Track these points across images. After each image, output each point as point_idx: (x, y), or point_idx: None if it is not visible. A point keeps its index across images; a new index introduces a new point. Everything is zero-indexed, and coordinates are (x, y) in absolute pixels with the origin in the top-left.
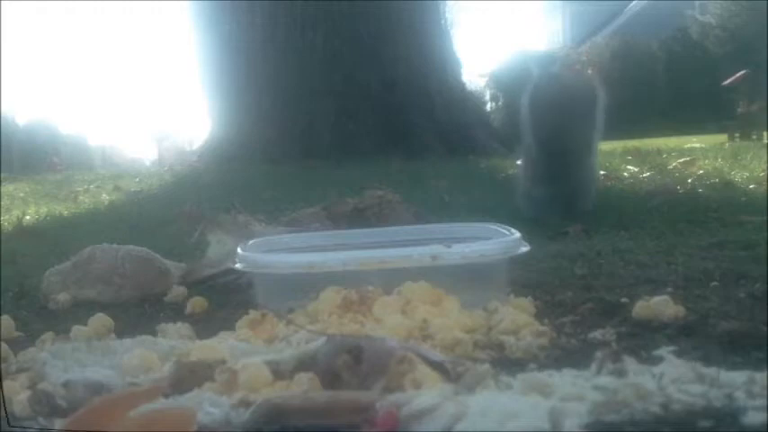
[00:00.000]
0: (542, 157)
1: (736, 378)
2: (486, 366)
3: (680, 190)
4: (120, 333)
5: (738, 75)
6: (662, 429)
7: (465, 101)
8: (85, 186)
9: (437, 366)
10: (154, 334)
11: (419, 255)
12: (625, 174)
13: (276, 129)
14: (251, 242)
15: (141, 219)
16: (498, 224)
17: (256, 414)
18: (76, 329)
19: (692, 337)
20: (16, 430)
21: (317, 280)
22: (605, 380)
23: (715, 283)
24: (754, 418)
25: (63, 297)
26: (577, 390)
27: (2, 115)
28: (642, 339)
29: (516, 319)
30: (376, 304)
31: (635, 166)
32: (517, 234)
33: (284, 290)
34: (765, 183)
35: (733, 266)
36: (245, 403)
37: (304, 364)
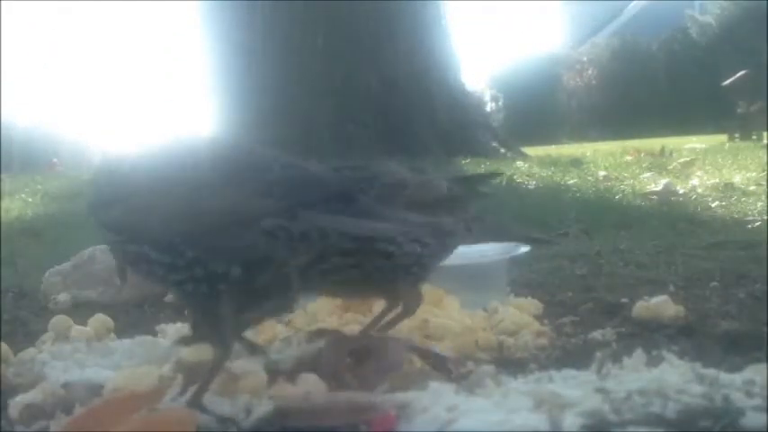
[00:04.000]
0: None
1: (736, 378)
2: (488, 367)
3: (680, 190)
4: (121, 333)
5: (738, 75)
6: (662, 429)
7: (465, 101)
8: (85, 186)
9: (438, 366)
10: (154, 334)
11: None
12: (625, 174)
13: (276, 129)
14: None
15: None
16: None
17: (257, 415)
18: (76, 330)
19: (691, 337)
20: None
21: None
22: (605, 380)
23: (715, 283)
24: (753, 418)
25: (63, 297)
26: (577, 390)
27: (2, 116)
28: (642, 339)
29: (516, 319)
30: (376, 304)
31: (635, 166)
32: None
33: None
34: (765, 183)
35: (733, 266)
36: (245, 405)
37: (304, 364)
